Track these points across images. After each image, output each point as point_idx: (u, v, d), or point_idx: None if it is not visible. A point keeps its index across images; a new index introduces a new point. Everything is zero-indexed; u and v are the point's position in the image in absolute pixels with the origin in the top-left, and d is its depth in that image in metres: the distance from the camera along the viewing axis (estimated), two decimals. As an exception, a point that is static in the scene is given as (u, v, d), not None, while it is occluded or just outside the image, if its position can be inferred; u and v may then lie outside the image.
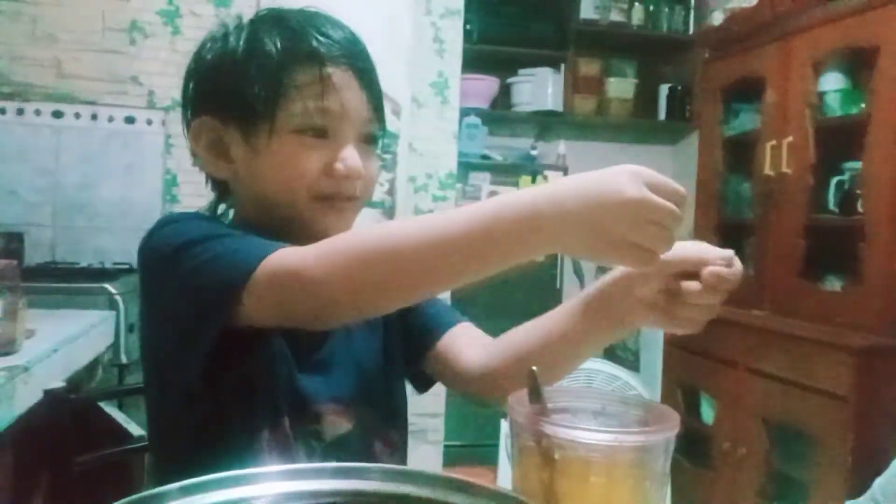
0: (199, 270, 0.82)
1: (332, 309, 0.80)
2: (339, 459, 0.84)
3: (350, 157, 0.91)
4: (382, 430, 1.01)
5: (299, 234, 0.93)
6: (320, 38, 0.90)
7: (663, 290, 0.85)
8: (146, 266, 0.91)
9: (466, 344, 1.03)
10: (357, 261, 0.77)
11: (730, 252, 0.83)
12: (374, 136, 0.97)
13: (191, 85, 0.97)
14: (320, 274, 0.76)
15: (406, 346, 1.06)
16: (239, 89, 0.90)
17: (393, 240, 0.76)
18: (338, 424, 0.95)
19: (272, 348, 0.89)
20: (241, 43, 0.92)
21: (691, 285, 0.82)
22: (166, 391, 0.93)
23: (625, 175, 0.71)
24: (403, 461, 1.03)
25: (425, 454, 3.10)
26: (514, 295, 3.44)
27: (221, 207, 1.04)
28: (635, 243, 0.70)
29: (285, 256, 0.79)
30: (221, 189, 1.02)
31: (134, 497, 0.54)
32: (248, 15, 0.96)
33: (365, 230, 0.79)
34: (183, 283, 0.84)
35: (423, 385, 1.12)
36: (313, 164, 0.90)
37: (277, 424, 0.89)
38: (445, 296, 3.05)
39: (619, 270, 0.89)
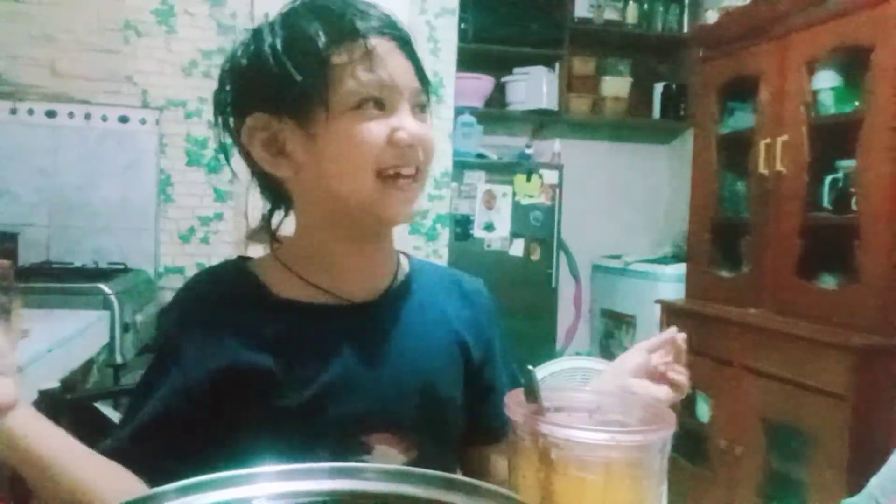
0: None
1: None
2: None
3: (410, 124, 0.90)
4: (443, 464, 0.96)
5: (366, 220, 0.92)
6: (358, 13, 0.90)
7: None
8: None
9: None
10: None
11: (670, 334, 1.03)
12: (423, 106, 0.96)
13: (228, 89, 0.95)
14: None
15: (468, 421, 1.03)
16: (287, 79, 0.88)
17: None
18: (390, 456, 0.92)
19: (326, 377, 0.90)
20: (279, 35, 0.90)
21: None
22: None
23: None
24: None
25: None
26: (511, 295, 3.44)
27: (278, 215, 1.01)
28: None
29: None
30: (277, 193, 0.99)
31: (134, 497, 0.54)
32: (266, 14, 0.94)
33: None
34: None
35: None
36: (377, 135, 0.88)
37: (315, 454, 0.87)
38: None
39: None
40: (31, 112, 2.94)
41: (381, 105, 0.89)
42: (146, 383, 0.91)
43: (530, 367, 0.72)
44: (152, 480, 0.75)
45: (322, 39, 0.88)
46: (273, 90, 0.90)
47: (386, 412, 0.92)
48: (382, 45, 0.89)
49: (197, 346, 0.90)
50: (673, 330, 1.03)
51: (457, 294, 1.06)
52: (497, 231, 3.81)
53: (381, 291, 0.98)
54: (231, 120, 0.95)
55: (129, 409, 0.92)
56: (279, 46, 0.89)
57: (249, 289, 0.94)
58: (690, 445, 3.08)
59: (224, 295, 0.94)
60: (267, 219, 1.01)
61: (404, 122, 0.89)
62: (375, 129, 0.88)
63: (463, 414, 1.01)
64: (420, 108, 0.94)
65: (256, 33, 0.93)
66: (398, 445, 0.92)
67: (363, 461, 0.90)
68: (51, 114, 2.96)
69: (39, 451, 0.74)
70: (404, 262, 1.05)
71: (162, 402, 0.88)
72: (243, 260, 1.00)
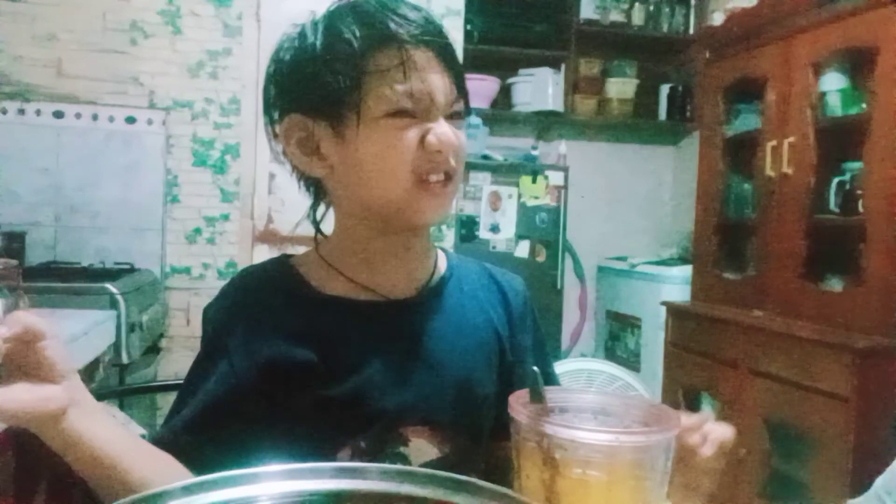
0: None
1: None
2: None
3: (442, 130, 0.89)
4: (474, 460, 0.98)
5: (399, 223, 0.93)
6: (397, 19, 0.88)
7: None
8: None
9: None
10: None
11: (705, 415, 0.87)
12: (460, 113, 0.95)
13: (272, 87, 0.96)
14: None
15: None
16: (322, 82, 0.88)
17: None
18: (425, 450, 0.93)
19: (366, 371, 0.91)
20: (320, 36, 0.90)
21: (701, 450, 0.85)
22: None
23: None
24: None
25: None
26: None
27: (321, 210, 1.02)
28: None
29: None
30: (316, 189, 1.00)
31: (134, 497, 0.55)
32: (319, 11, 0.93)
33: None
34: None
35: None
36: (407, 142, 0.88)
37: (355, 444, 0.90)
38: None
39: None
40: (38, 113, 2.95)
41: (412, 115, 0.89)
42: (194, 376, 0.93)
43: (535, 368, 0.73)
44: (200, 471, 0.75)
45: (358, 45, 0.87)
46: (308, 92, 0.91)
47: (423, 407, 0.93)
48: (419, 55, 0.88)
49: (243, 340, 0.91)
50: (706, 415, 0.88)
51: (494, 291, 1.07)
52: (502, 232, 3.81)
53: (419, 288, 0.99)
54: (273, 116, 0.96)
55: (177, 401, 0.93)
56: (317, 48, 0.90)
57: (293, 285, 0.96)
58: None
59: (269, 291, 0.96)
60: (312, 214, 1.02)
61: (435, 128, 0.89)
62: (406, 136, 0.88)
63: (493, 410, 1.01)
64: (455, 116, 0.93)
65: (300, 33, 0.93)
66: (433, 440, 0.93)
67: (400, 453, 0.91)
68: (58, 114, 2.97)
69: (97, 452, 0.75)
70: (442, 258, 1.06)
71: (211, 393, 0.90)
72: (286, 257, 1.01)
